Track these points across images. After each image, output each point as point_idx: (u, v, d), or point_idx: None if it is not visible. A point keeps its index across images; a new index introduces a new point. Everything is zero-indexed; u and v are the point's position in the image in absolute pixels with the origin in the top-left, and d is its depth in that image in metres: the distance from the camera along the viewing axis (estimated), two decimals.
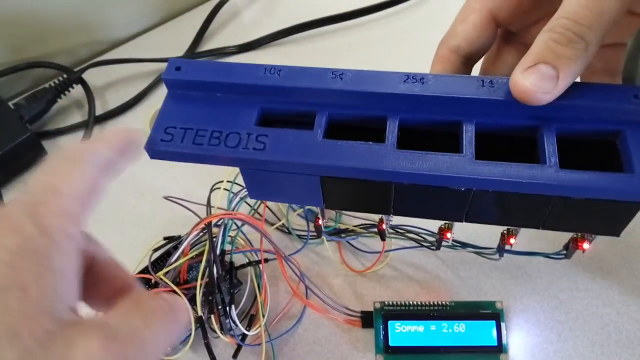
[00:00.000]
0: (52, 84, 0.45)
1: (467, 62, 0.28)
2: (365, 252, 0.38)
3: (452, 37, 0.28)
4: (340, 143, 0.24)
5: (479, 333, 0.33)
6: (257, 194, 0.28)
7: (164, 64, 0.26)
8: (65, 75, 0.46)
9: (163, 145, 0.24)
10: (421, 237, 0.36)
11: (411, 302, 0.34)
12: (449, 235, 0.31)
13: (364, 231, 0.38)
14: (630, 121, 0.23)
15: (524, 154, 0.23)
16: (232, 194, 0.36)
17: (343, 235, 0.38)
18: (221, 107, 0.25)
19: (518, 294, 0.37)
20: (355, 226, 0.38)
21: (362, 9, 0.54)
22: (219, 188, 0.36)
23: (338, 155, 0.23)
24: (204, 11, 0.54)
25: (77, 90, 0.47)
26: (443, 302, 0.34)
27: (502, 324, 0.34)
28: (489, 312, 0.34)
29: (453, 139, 0.24)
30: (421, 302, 0.34)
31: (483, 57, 0.29)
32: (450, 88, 0.24)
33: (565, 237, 0.31)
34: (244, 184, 0.36)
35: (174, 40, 0.53)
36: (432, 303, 0.34)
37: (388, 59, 0.51)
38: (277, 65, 0.25)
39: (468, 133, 0.24)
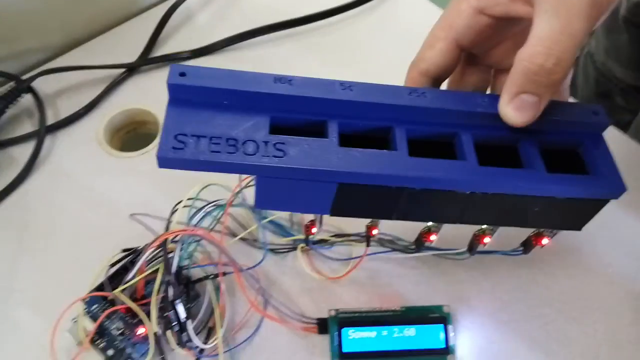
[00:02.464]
0: (1, 94, 0.44)
1: (435, 83, 0.31)
2: (337, 259, 0.39)
3: (421, 62, 0.30)
4: (356, 151, 0.25)
5: (428, 336, 0.35)
6: (266, 203, 0.28)
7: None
8: (13, 84, 0.45)
9: (176, 152, 0.24)
10: (395, 243, 0.38)
11: (364, 310, 0.36)
12: (432, 237, 0.33)
13: (338, 240, 0.39)
14: (590, 133, 0.28)
15: (508, 161, 0.27)
16: (193, 209, 0.36)
17: (318, 248, 0.39)
18: (229, 115, 0.25)
19: (465, 296, 0.39)
20: (331, 236, 0.39)
21: (317, 13, 0.54)
22: (177, 209, 0.36)
23: (356, 162, 0.25)
24: (156, 14, 0.54)
25: (26, 98, 0.46)
26: (394, 308, 0.36)
27: (449, 327, 0.36)
28: (437, 316, 0.36)
29: (447, 148, 0.27)
30: (374, 309, 0.36)
31: (449, 77, 0.32)
32: (451, 102, 0.27)
33: (520, 235, 0.35)
34: (208, 200, 0.36)
35: (126, 44, 0.52)
36: (384, 309, 0.36)
37: (341, 64, 0.52)
38: (288, 75, 0.26)
39: (469, 142, 0.27)
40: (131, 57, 0.50)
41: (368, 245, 0.36)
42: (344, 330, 0.35)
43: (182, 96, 0.25)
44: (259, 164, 0.24)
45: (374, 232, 0.33)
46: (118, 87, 0.48)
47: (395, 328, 0.35)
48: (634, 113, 0.58)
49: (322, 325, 0.36)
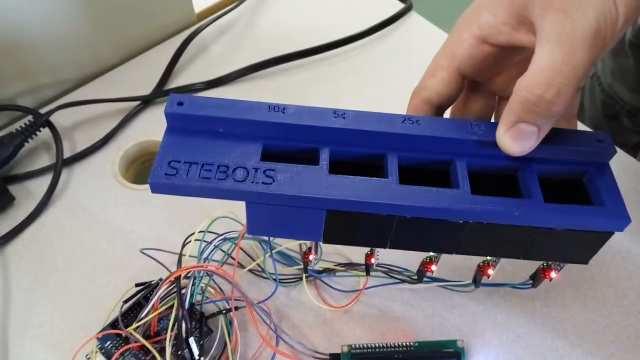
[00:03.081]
0: (19, 128, 0.45)
1: (438, 111, 0.30)
2: (343, 291, 0.39)
3: (423, 90, 0.30)
4: (346, 178, 0.25)
5: None
6: (257, 229, 0.29)
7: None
8: (32, 119, 0.46)
9: (167, 179, 0.25)
10: (400, 274, 0.37)
11: (377, 344, 0.36)
12: (433, 267, 0.33)
13: (342, 269, 0.39)
14: (595, 162, 0.27)
15: (508, 190, 0.27)
16: (204, 243, 0.37)
17: (323, 273, 0.39)
18: (224, 142, 0.26)
19: (479, 329, 0.38)
20: (335, 265, 0.39)
21: (329, 43, 0.55)
22: (190, 241, 0.36)
23: (345, 189, 0.25)
24: (171, 46, 0.55)
25: (44, 132, 0.47)
26: (407, 343, 0.36)
27: None
28: (451, 351, 0.36)
29: (444, 176, 0.27)
30: (387, 344, 0.36)
31: (452, 105, 0.32)
32: (444, 130, 0.27)
33: (529, 268, 0.34)
34: (217, 232, 0.37)
35: (141, 76, 0.53)
36: (397, 345, 0.36)
37: (353, 91, 0.52)
38: (281, 104, 0.27)
39: (463, 170, 0.26)
40: (147, 88, 0.51)
41: (368, 274, 0.36)
42: None
43: (179, 124, 0.26)
44: (247, 190, 0.25)
45: (372, 260, 0.33)
46: (133, 120, 0.49)
47: None
48: None
49: None
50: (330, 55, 0.56)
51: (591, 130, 0.40)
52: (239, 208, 0.29)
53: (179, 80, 0.53)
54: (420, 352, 0.35)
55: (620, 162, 0.46)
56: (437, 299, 0.39)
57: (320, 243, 0.32)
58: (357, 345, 0.36)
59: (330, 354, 0.36)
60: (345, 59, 0.56)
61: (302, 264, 0.39)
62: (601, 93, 0.58)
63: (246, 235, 0.38)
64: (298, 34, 0.57)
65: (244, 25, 0.59)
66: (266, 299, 0.37)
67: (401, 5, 0.60)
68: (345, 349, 0.35)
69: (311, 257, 0.32)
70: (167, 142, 0.26)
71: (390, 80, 0.53)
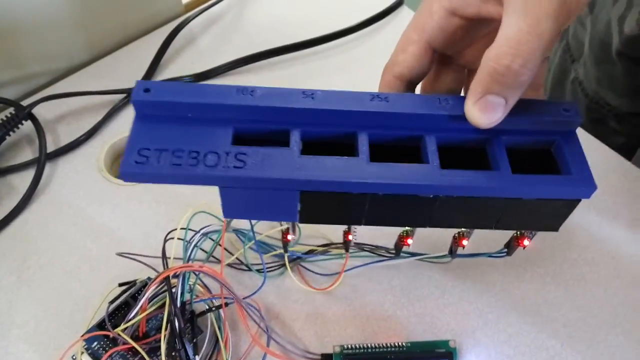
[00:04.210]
0: (0, 121, 0.44)
1: (410, 85, 0.31)
2: (324, 274, 0.39)
3: (394, 65, 0.30)
4: (317, 158, 0.25)
5: None
6: (233, 213, 0.28)
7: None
8: (13, 111, 0.44)
9: (138, 167, 0.24)
10: (379, 249, 0.38)
11: (369, 345, 0.35)
12: (409, 241, 0.33)
13: (324, 249, 0.39)
14: (562, 131, 0.27)
15: (477, 162, 0.27)
16: (186, 242, 0.36)
17: (303, 257, 0.39)
18: (193, 128, 0.26)
19: (470, 329, 0.38)
20: (317, 246, 0.39)
21: (319, 37, 0.54)
22: (173, 238, 0.36)
23: (317, 170, 0.25)
24: (158, 37, 0.54)
25: (26, 125, 0.46)
26: (399, 343, 0.36)
27: None
28: (443, 351, 0.35)
29: (415, 151, 0.27)
30: (378, 344, 0.35)
31: (423, 80, 0.31)
32: (412, 106, 0.27)
33: (503, 237, 0.35)
34: (196, 229, 0.36)
35: (127, 69, 0.52)
36: (389, 345, 0.35)
37: (344, 85, 0.51)
38: (249, 86, 0.26)
39: (432, 145, 0.26)
40: (132, 81, 0.50)
41: (347, 250, 0.36)
42: None
43: (147, 112, 0.26)
44: (219, 174, 0.25)
45: (350, 237, 0.33)
46: (119, 113, 0.48)
47: None
48: (629, 136, 0.58)
49: None
50: (321, 49, 0.55)
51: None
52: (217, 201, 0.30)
53: (166, 72, 0.52)
54: (413, 353, 0.35)
55: (610, 163, 0.47)
56: (428, 298, 0.39)
57: (298, 224, 0.32)
58: (349, 346, 0.35)
59: (322, 354, 0.35)
60: (336, 53, 0.55)
61: (275, 248, 0.39)
62: (585, 98, 0.59)
63: (219, 229, 0.37)
64: (289, 27, 0.56)
65: (234, 17, 0.58)
66: (253, 293, 0.36)
67: (392, 0, 0.59)
68: (337, 349, 0.35)
69: (289, 237, 0.32)
70: (136, 130, 0.26)
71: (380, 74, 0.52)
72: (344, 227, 0.33)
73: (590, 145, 0.47)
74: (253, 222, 0.37)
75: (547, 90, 0.64)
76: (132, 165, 0.24)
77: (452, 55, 0.31)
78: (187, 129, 0.26)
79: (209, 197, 0.40)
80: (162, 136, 0.25)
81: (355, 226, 0.33)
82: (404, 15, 0.59)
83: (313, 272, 0.40)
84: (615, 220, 0.43)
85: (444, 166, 0.26)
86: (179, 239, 0.36)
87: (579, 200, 0.27)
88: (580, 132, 0.28)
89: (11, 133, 0.44)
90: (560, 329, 0.38)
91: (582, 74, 0.59)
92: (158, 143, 0.25)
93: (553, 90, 0.64)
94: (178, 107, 0.26)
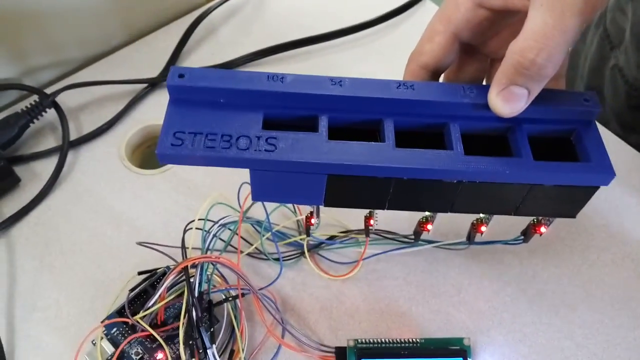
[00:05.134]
0: (25, 109, 0.44)
1: (434, 75, 0.31)
2: (342, 263, 0.40)
3: (420, 55, 0.31)
4: (344, 143, 0.26)
5: None
6: (261, 196, 0.29)
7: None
8: (37, 99, 0.45)
9: (174, 149, 0.25)
10: (398, 236, 0.39)
11: (383, 340, 0.35)
12: (429, 227, 0.34)
13: (343, 235, 0.40)
14: (582, 120, 0.28)
15: (499, 150, 0.28)
16: (205, 232, 0.36)
17: (326, 243, 0.40)
18: (225, 112, 0.27)
19: (485, 327, 0.38)
20: (339, 232, 0.40)
21: (339, 30, 0.54)
22: (192, 228, 0.36)
23: (344, 154, 0.26)
24: (179, 27, 0.54)
25: (49, 113, 0.46)
26: (413, 339, 0.36)
27: None
28: (457, 349, 0.35)
29: (439, 138, 0.28)
30: (392, 340, 0.36)
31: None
32: (437, 94, 0.28)
33: (518, 227, 0.36)
34: (215, 220, 0.37)
35: (148, 58, 0.52)
36: (403, 340, 0.36)
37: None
38: (279, 73, 0.28)
39: (456, 132, 0.27)
40: (154, 71, 0.51)
41: (367, 235, 0.37)
42: None
43: (181, 96, 0.27)
44: (251, 157, 0.25)
45: (372, 222, 0.34)
46: (140, 102, 0.49)
47: None
48: None
49: (341, 355, 0.35)
50: (341, 43, 0.55)
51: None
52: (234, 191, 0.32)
53: (187, 63, 0.52)
54: (426, 349, 0.35)
55: (634, 162, 0.46)
56: (444, 295, 0.39)
57: (320, 208, 0.33)
58: (363, 340, 0.35)
59: (336, 347, 0.36)
60: (356, 45, 0.55)
61: (298, 239, 0.40)
62: (625, 85, 0.58)
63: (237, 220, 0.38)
64: (309, 19, 0.56)
65: (254, 8, 0.58)
66: (270, 284, 0.37)
67: None
68: (352, 343, 0.35)
69: (313, 220, 0.33)
70: (171, 113, 0.27)
71: (401, 69, 0.52)
72: (364, 214, 0.34)
73: (613, 145, 0.46)
74: (269, 211, 0.38)
75: (584, 78, 0.63)
76: (168, 147, 0.25)
77: (476, 45, 0.32)
78: (219, 113, 0.27)
79: (226, 187, 0.41)
80: (195, 120, 0.26)
81: (377, 212, 0.34)
82: (426, 8, 0.58)
83: (330, 260, 0.40)
84: (637, 223, 0.43)
85: (467, 153, 0.27)
86: (197, 228, 0.36)
87: (597, 187, 0.28)
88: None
89: (35, 121, 0.45)
90: (577, 330, 0.38)
91: (623, 61, 0.57)
92: (192, 127, 0.26)
93: (590, 77, 0.63)
94: (211, 92, 0.27)
